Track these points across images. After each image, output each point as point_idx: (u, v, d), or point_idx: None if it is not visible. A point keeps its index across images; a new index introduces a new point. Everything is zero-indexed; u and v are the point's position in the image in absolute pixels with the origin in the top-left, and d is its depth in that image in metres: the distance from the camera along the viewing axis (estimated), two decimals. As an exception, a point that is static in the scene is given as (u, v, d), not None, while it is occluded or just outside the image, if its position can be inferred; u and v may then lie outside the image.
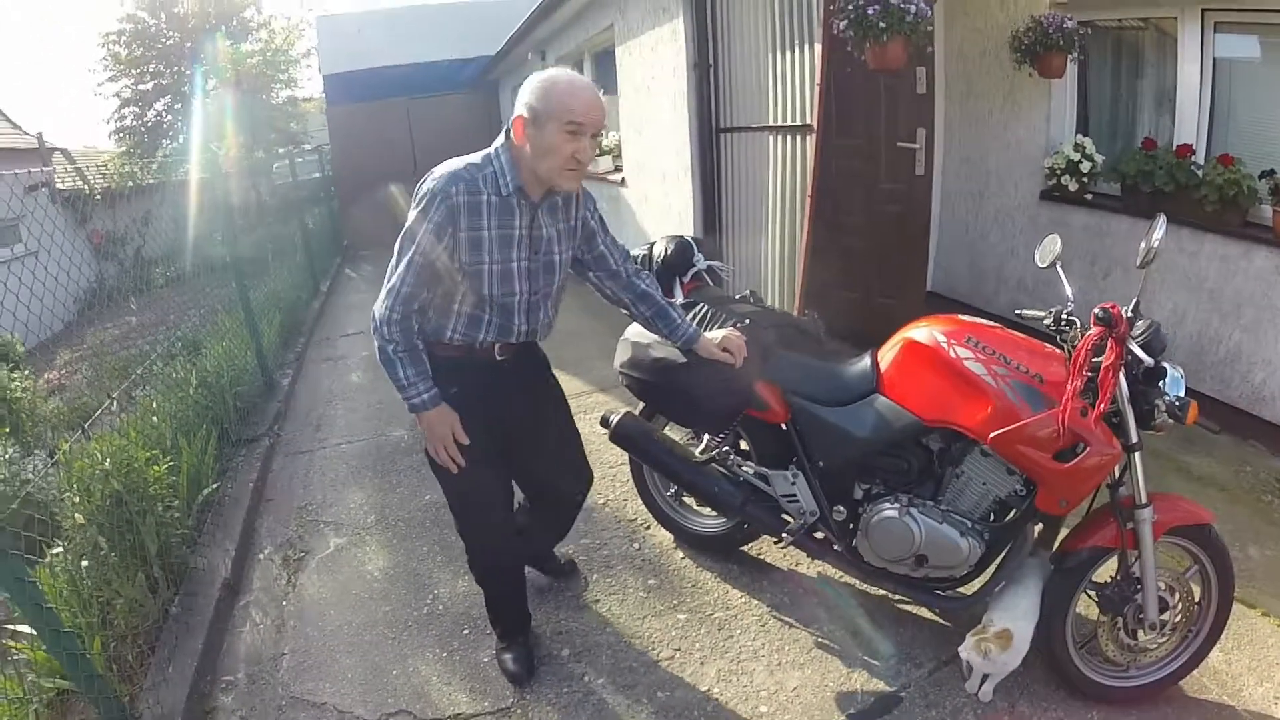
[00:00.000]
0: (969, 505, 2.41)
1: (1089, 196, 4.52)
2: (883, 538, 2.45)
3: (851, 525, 2.57)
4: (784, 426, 2.62)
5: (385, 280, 2.09)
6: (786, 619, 2.81)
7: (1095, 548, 2.26)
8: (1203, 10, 3.90)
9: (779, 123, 4.31)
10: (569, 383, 5.30)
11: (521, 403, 2.40)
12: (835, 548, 2.62)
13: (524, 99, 1.98)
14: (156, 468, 3.19)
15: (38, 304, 3.64)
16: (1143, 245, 2.11)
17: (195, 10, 18.15)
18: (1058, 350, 2.26)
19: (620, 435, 2.84)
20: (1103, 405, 2.07)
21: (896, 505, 2.42)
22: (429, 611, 2.99)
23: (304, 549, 3.54)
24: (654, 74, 5.65)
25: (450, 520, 3.52)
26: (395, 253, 2.08)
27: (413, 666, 2.71)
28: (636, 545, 3.29)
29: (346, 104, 13.03)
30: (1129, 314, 2.10)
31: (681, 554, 3.20)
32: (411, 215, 2.04)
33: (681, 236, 3.16)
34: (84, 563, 2.75)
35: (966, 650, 2.34)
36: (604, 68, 7.53)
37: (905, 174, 4.46)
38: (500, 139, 2.07)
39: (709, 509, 3.09)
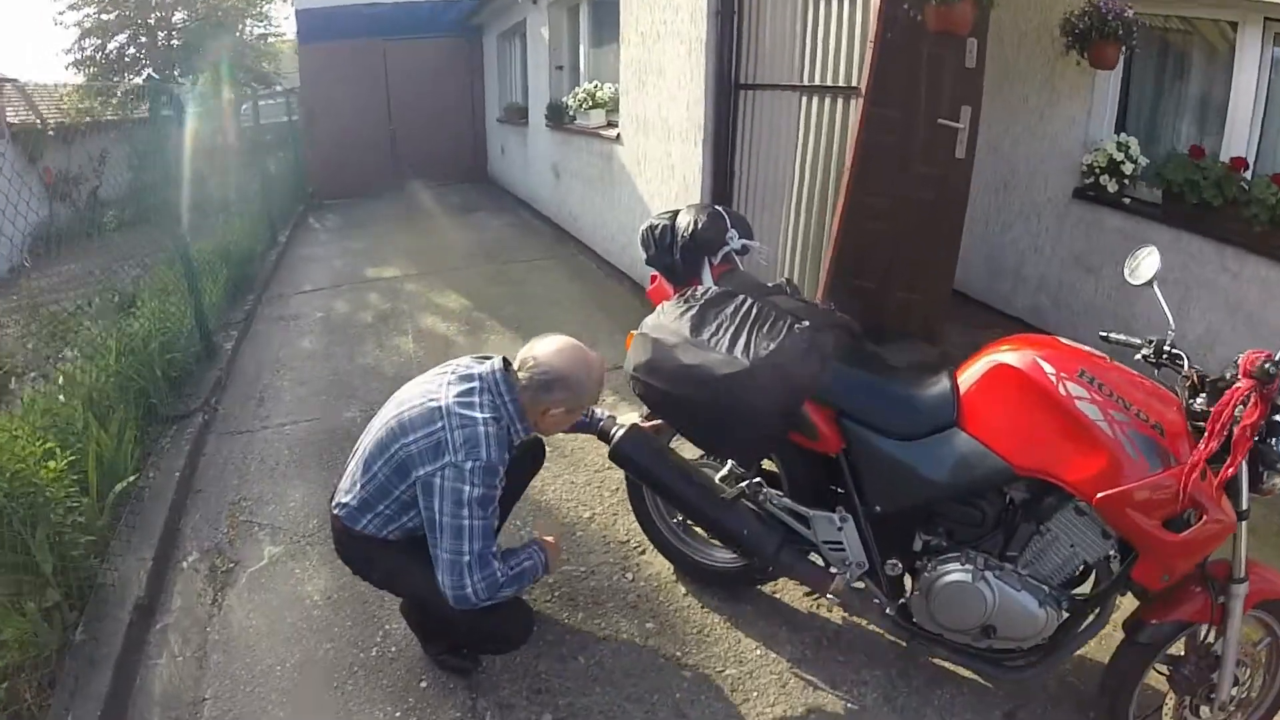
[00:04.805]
0: (1050, 569, 2.00)
1: (1127, 200, 4.24)
2: (948, 604, 2.02)
3: (905, 581, 2.13)
4: (835, 457, 2.14)
5: (453, 558, 2.01)
6: (808, 677, 2.37)
7: (1180, 622, 1.93)
8: (1265, 19, 3.61)
9: (813, 82, 3.79)
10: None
11: None
12: (886, 610, 2.17)
13: (558, 394, 2.10)
14: (52, 464, 2.63)
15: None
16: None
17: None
18: (1172, 393, 1.87)
19: (623, 455, 2.35)
20: (1231, 469, 1.73)
21: (969, 567, 1.98)
22: (379, 654, 2.49)
23: (234, 558, 3.01)
24: (666, 19, 5.09)
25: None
26: (452, 529, 2.00)
27: (358, 728, 2.23)
28: (629, 576, 2.81)
29: (320, 42, 12.09)
30: (1272, 368, 1.70)
31: (684, 589, 2.72)
32: (465, 489, 2.00)
33: (713, 206, 2.62)
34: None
35: None
36: (603, 13, 6.90)
37: (944, 156, 3.98)
38: (499, 374, 2.12)
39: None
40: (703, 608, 2.64)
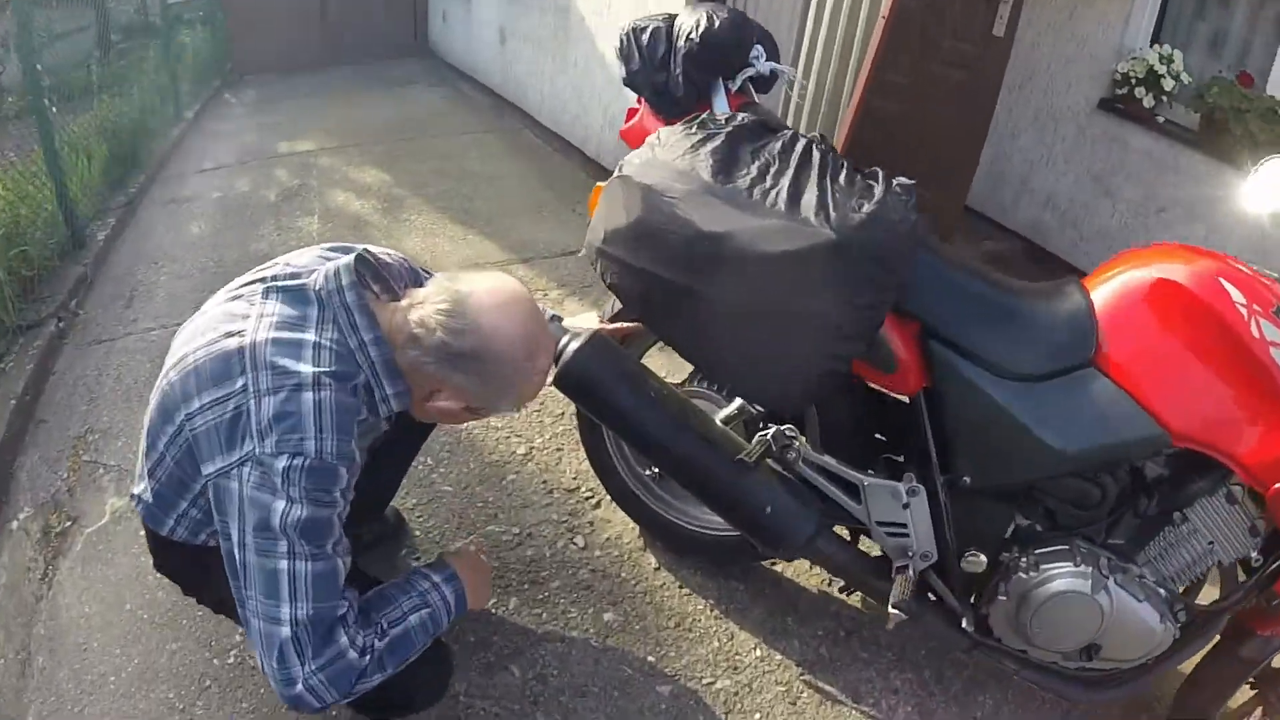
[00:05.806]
0: (1175, 569, 1.44)
1: (1160, 119, 3.80)
2: (1054, 619, 1.43)
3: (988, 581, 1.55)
4: (910, 401, 1.48)
5: (267, 628, 1.16)
6: (825, 687, 1.80)
7: None
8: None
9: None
10: (481, 245, 4.06)
11: None
12: (963, 623, 1.55)
13: (465, 379, 1.23)
14: None
15: None
16: None
17: None
18: None
19: (579, 381, 1.45)
20: None
21: (1087, 570, 1.38)
22: (237, 660, 1.84)
23: (71, 512, 2.31)
24: None
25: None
26: (261, 575, 1.15)
27: (207, 772, 1.61)
28: (579, 541, 2.17)
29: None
30: None
31: (654, 560, 2.11)
32: (276, 505, 1.13)
33: (734, 9, 1.79)
34: None
35: None
36: None
37: (979, 32, 3.35)
38: (346, 293, 1.24)
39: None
40: (681, 588, 2.03)
